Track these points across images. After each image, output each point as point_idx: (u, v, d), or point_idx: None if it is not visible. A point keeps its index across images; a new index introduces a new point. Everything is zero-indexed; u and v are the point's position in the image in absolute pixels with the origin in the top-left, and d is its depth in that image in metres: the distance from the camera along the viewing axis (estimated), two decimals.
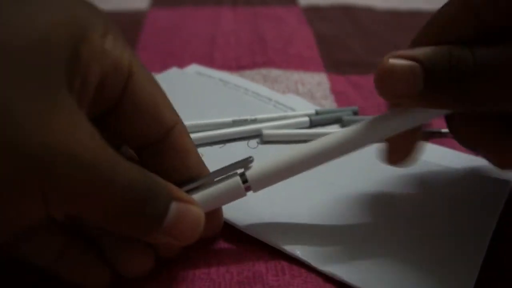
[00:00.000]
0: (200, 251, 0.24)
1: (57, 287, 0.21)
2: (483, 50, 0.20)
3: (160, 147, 0.22)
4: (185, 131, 0.22)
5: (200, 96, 0.36)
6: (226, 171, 0.22)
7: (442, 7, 0.23)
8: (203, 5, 0.58)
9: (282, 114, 0.34)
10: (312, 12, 0.56)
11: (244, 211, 0.25)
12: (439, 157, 0.29)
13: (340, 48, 0.47)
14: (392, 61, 0.20)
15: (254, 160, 0.22)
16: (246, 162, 0.22)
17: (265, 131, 0.31)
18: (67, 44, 0.17)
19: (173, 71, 0.40)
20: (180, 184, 0.21)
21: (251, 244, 0.24)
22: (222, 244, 0.24)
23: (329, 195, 0.27)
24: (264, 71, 0.42)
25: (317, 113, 0.34)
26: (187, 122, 0.31)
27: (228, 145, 0.31)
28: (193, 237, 0.20)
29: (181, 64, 0.42)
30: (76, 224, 0.21)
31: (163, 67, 0.41)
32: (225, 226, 0.25)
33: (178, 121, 0.22)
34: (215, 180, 0.22)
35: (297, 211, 0.25)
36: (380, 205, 0.26)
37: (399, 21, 0.54)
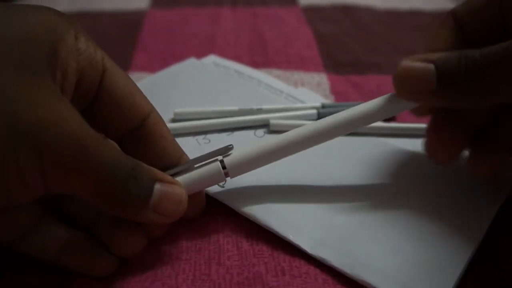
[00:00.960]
0: (200, 252, 0.24)
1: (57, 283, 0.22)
2: (490, 47, 0.21)
3: (138, 135, 0.23)
4: (160, 119, 0.24)
5: (214, 86, 0.37)
6: (207, 158, 0.24)
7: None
8: (203, 5, 0.58)
9: (287, 105, 0.34)
10: (312, 12, 0.56)
11: (240, 192, 0.26)
12: None
13: (340, 48, 0.47)
14: (409, 63, 0.23)
15: (233, 147, 0.24)
16: (226, 149, 0.24)
17: (272, 121, 0.32)
18: (46, 42, 0.19)
19: (191, 61, 0.41)
20: (163, 169, 0.23)
21: (251, 244, 0.24)
22: (222, 245, 0.24)
23: (324, 181, 0.27)
24: (264, 71, 0.42)
25: (323, 106, 0.34)
26: (194, 109, 0.33)
27: (236, 133, 0.32)
28: (178, 214, 0.22)
29: None
30: (74, 215, 0.23)
31: (163, 67, 0.41)
32: (224, 226, 0.25)
33: (152, 110, 0.24)
34: (197, 165, 0.24)
35: (291, 197, 0.26)
36: (376, 193, 0.26)
37: (399, 21, 0.54)
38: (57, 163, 0.18)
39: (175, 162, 0.24)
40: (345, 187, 0.27)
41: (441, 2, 0.60)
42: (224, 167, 0.24)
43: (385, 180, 0.27)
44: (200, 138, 0.31)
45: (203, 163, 0.24)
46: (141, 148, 0.23)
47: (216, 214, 0.26)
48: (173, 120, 0.33)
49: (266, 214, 0.25)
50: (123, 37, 0.49)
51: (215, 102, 0.34)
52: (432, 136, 0.26)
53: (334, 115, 0.24)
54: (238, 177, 0.25)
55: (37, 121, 0.18)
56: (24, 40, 0.18)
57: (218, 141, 0.31)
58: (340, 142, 0.30)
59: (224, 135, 0.32)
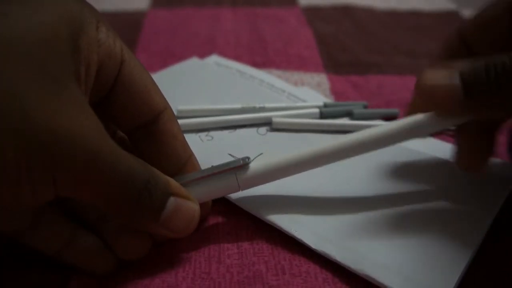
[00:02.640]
0: (200, 250, 0.24)
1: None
2: None
3: (149, 130, 0.23)
4: (173, 116, 0.24)
5: (217, 85, 0.37)
6: (224, 168, 0.23)
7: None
8: (203, 5, 0.58)
9: (290, 104, 0.34)
10: (312, 12, 0.56)
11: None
12: (443, 152, 0.30)
13: (340, 48, 0.47)
14: (432, 79, 0.22)
15: (251, 161, 0.24)
16: (243, 162, 0.23)
17: (275, 119, 0.32)
18: (68, 39, 0.19)
19: (193, 61, 0.41)
20: (173, 168, 0.23)
21: (251, 243, 0.24)
22: (223, 244, 0.24)
23: (328, 178, 0.27)
24: (264, 71, 0.42)
25: (325, 105, 0.34)
26: (197, 107, 0.33)
27: (238, 130, 0.32)
28: (188, 231, 0.22)
29: None
30: (79, 212, 0.22)
31: (163, 67, 0.41)
32: (225, 224, 0.25)
33: (167, 106, 0.23)
34: (212, 174, 0.23)
35: (296, 193, 0.26)
36: (379, 190, 0.27)
37: (399, 21, 0.54)
38: (70, 173, 0.18)
39: (183, 163, 0.24)
40: (348, 184, 0.27)
41: (441, 2, 0.60)
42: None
43: (388, 178, 0.28)
44: (202, 135, 0.31)
45: (219, 172, 0.23)
46: (151, 145, 0.23)
47: (216, 212, 0.26)
48: (176, 117, 0.33)
49: (270, 210, 0.25)
50: (123, 37, 0.47)
51: (217, 100, 0.35)
52: (462, 146, 0.25)
53: (356, 133, 0.24)
54: None
55: (54, 130, 0.17)
56: (43, 41, 0.18)
57: (220, 138, 0.31)
58: None
59: (226, 132, 0.32)
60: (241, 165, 0.23)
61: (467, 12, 0.55)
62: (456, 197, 0.26)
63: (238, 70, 0.40)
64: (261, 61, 0.44)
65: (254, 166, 0.24)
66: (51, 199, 0.18)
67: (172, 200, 0.21)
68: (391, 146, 0.30)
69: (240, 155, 0.24)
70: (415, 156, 0.29)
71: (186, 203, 0.21)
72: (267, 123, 0.33)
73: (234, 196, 0.26)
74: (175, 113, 0.33)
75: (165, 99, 0.23)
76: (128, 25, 0.52)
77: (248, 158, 0.24)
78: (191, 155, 0.24)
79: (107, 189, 0.19)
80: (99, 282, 0.22)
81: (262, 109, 0.33)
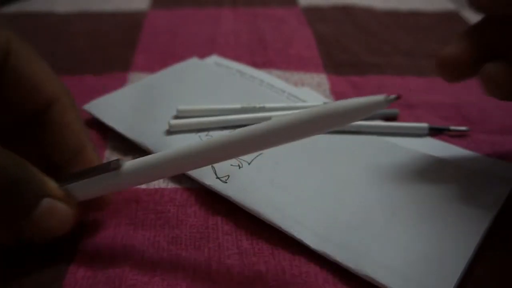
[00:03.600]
0: (200, 249, 0.24)
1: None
2: None
3: (42, 121, 0.23)
4: (68, 106, 0.23)
5: (216, 85, 0.37)
6: (97, 171, 0.22)
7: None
8: (203, 6, 0.58)
9: (290, 104, 0.34)
10: (312, 12, 0.56)
11: (244, 188, 0.26)
12: (443, 152, 0.30)
13: (340, 48, 0.47)
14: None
15: (121, 163, 0.22)
16: (116, 164, 0.22)
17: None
18: None
19: (193, 61, 0.41)
20: (67, 159, 0.22)
21: (251, 243, 0.24)
22: (222, 243, 0.24)
23: (328, 178, 0.27)
24: (264, 71, 0.42)
25: None
26: (197, 107, 0.33)
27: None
28: (60, 232, 0.21)
29: None
30: None
31: (163, 67, 0.41)
32: (224, 224, 0.25)
33: (61, 96, 0.23)
34: (87, 177, 0.22)
35: (296, 193, 0.26)
36: (378, 190, 0.27)
37: (399, 21, 0.54)
38: None
39: (75, 153, 0.23)
40: (348, 184, 0.27)
41: (441, 2, 0.60)
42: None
43: (388, 178, 0.28)
44: (203, 135, 0.31)
45: (93, 174, 0.22)
46: (43, 135, 0.23)
47: (216, 212, 0.26)
48: (176, 117, 0.33)
49: (270, 209, 0.25)
50: (123, 38, 0.49)
51: (217, 100, 0.35)
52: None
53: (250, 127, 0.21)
54: (242, 173, 0.24)
55: None
56: None
57: None
58: (343, 140, 0.30)
59: (226, 132, 0.32)
60: (113, 166, 0.22)
61: (467, 13, 0.55)
62: (456, 197, 0.26)
63: (238, 70, 0.40)
64: (261, 61, 0.44)
65: (128, 166, 0.22)
66: None
67: (46, 201, 0.21)
68: (390, 146, 0.30)
69: None
70: (414, 156, 0.29)
71: (61, 205, 0.21)
72: None
73: (233, 195, 0.26)
74: (175, 112, 0.33)
75: (62, 89, 0.23)
76: (128, 25, 0.52)
77: (119, 160, 0.22)
78: (85, 145, 0.24)
79: None
80: (95, 279, 0.22)
81: (262, 109, 0.33)
